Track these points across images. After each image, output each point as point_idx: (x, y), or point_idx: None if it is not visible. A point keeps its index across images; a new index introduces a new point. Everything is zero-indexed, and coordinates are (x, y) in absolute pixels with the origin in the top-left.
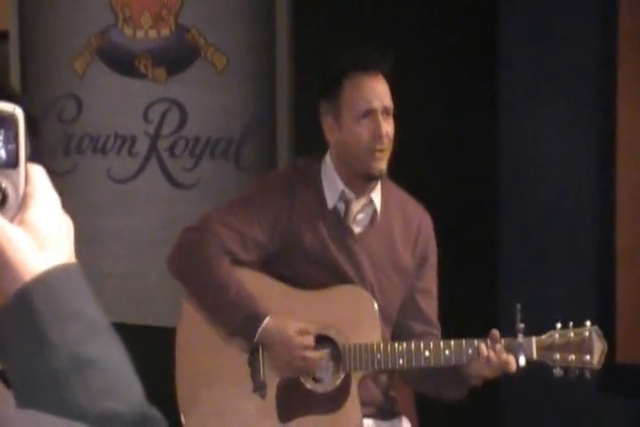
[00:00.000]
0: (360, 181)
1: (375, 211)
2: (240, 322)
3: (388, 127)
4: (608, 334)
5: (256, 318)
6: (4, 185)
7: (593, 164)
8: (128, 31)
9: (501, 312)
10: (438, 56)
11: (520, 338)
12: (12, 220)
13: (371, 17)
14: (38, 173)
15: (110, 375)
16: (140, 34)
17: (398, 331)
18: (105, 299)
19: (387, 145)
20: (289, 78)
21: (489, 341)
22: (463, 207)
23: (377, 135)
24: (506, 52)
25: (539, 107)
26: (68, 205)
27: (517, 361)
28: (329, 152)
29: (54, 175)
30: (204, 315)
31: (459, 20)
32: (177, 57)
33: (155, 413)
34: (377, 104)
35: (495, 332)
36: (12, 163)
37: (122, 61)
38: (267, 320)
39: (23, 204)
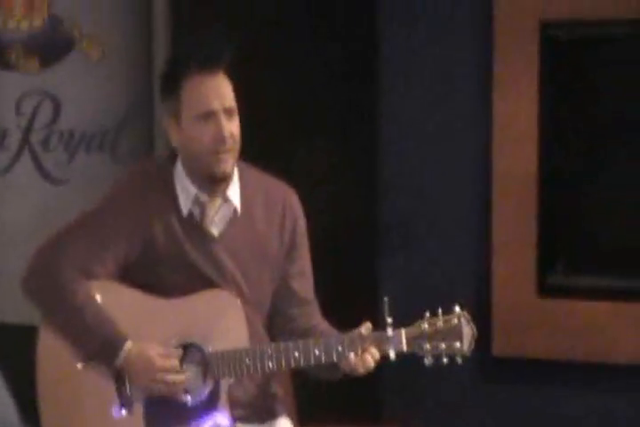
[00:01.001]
0: (208, 182)
1: (234, 208)
2: (98, 348)
3: (232, 127)
4: (484, 327)
5: (115, 344)
6: None
7: (471, 156)
8: None
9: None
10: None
11: (389, 331)
12: None
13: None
14: None
15: None
16: (11, 24)
17: (276, 319)
18: None
19: (231, 146)
20: None
21: (358, 336)
22: (342, 197)
23: (219, 137)
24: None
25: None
26: None
27: (387, 355)
28: (178, 156)
29: None
30: (62, 341)
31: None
32: (50, 48)
33: None
34: (217, 105)
35: (367, 325)
36: None
37: None
38: (126, 346)
39: None
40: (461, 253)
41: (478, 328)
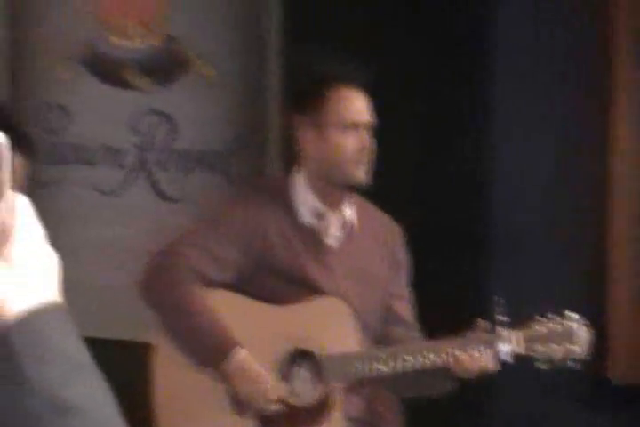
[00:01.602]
0: (336, 193)
1: (349, 224)
2: (208, 352)
3: (370, 142)
4: (600, 351)
5: (225, 349)
6: None
7: (584, 157)
8: (114, 40)
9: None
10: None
11: (503, 331)
12: None
13: (363, 28)
14: (23, 205)
15: (92, 422)
16: (126, 43)
17: (381, 340)
18: (87, 311)
19: (370, 158)
20: (279, 90)
21: (469, 337)
22: (448, 203)
23: (362, 147)
24: (497, 74)
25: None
26: (52, 216)
27: (501, 356)
28: (299, 168)
29: (42, 185)
30: (173, 343)
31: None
32: (165, 68)
33: None
34: (361, 118)
35: (483, 322)
36: None
37: (108, 71)
38: (235, 351)
39: (4, 238)
40: (575, 271)
41: (593, 352)
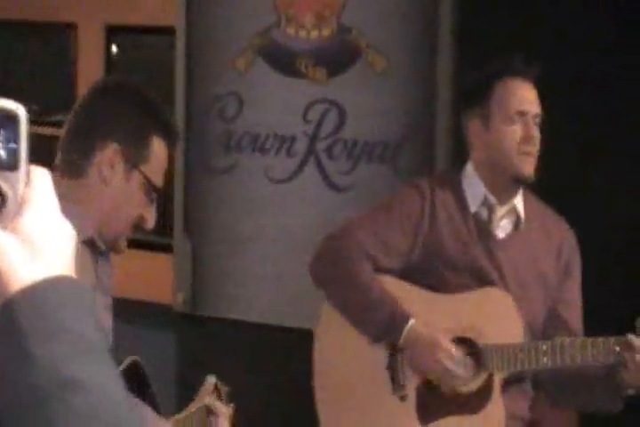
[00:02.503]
0: (505, 185)
1: (518, 218)
2: (385, 322)
3: (537, 133)
4: None
5: (400, 320)
6: (4, 189)
7: None
8: (290, 31)
9: None
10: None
11: None
12: (6, 226)
13: (535, 23)
14: (41, 177)
15: (95, 399)
16: (302, 34)
17: None
18: (258, 298)
19: (535, 149)
20: (450, 82)
21: (636, 335)
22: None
23: (528, 137)
24: None
25: None
26: (226, 203)
27: None
28: (470, 160)
29: (215, 172)
30: (346, 319)
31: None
32: (337, 58)
33: None
34: (529, 107)
35: None
36: (12, 165)
37: (283, 61)
38: (411, 322)
39: (19, 209)
40: None
41: None
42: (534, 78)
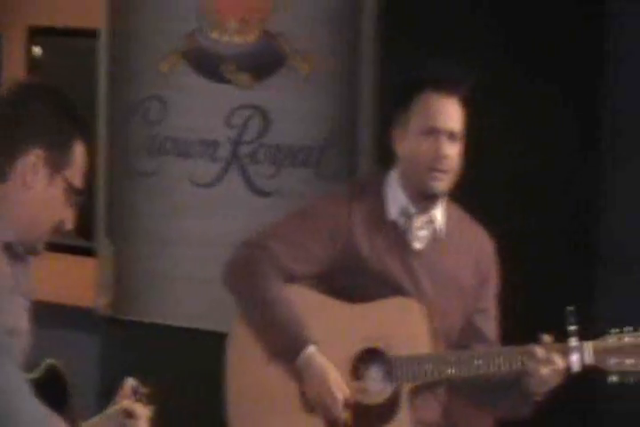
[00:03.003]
0: (417, 197)
1: (437, 229)
2: (282, 345)
3: (451, 150)
4: None
5: (299, 344)
6: None
7: None
8: (214, 35)
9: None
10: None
11: (573, 342)
12: None
13: (461, 27)
14: None
15: None
16: (225, 38)
17: None
18: (181, 302)
19: (447, 166)
20: (373, 86)
21: (540, 345)
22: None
23: (437, 156)
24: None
25: None
26: (148, 207)
27: (571, 365)
28: (395, 167)
29: (138, 175)
30: (254, 334)
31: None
32: (262, 63)
33: None
34: (441, 124)
35: (546, 336)
36: None
37: (207, 65)
38: (310, 348)
39: None
40: None
41: None
42: (461, 92)
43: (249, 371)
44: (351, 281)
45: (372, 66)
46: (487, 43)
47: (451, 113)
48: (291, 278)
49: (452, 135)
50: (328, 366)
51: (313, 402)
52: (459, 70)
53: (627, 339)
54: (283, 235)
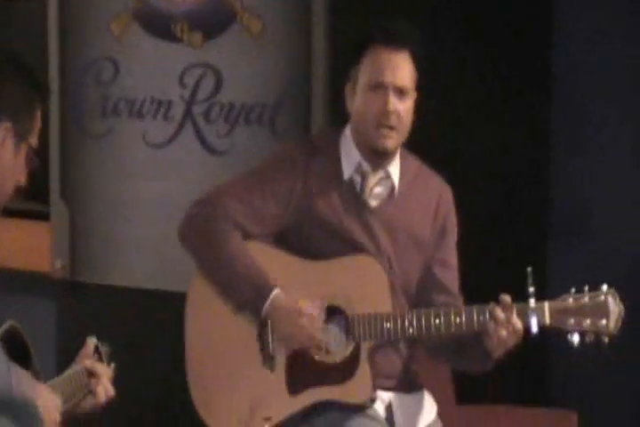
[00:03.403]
0: (369, 154)
1: (392, 185)
2: (248, 294)
3: (399, 106)
4: None
5: (264, 291)
6: None
7: None
8: None
9: (550, 276)
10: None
11: (532, 303)
12: None
13: None
14: None
15: None
16: None
17: (419, 304)
18: (138, 263)
19: (395, 123)
20: (325, 44)
21: (500, 306)
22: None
23: (383, 111)
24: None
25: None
26: (102, 169)
27: (529, 326)
28: (349, 122)
29: (91, 137)
30: (214, 288)
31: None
32: (213, 21)
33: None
34: (388, 80)
35: (506, 297)
36: None
37: (159, 25)
38: (275, 292)
39: None
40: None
41: None
42: (411, 47)
43: (208, 329)
44: (308, 240)
45: (323, 23)
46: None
47: (398, 68)
48: (247, 236)
49: (400, 91)
50: (297, 300)
51: (288, 343)
52: (407, 25)
53: (585, 299)
54: (238, 194)
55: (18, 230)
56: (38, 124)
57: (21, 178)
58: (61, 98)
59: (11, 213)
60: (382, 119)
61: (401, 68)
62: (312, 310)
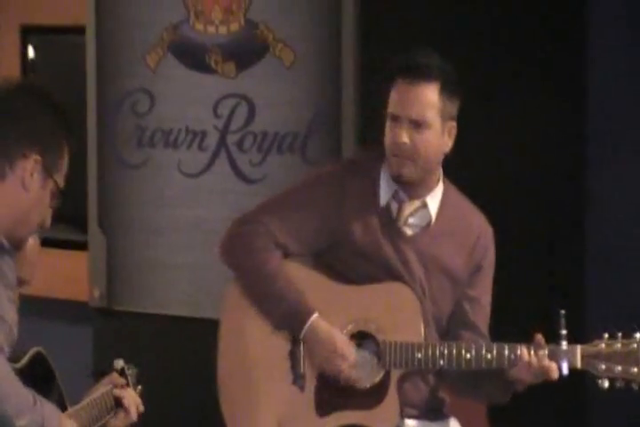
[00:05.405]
0: (421, 182)
1: (429, 216)
2: (288, 314)
3: (416, 136)
4: None
5: (303, 313)
6: None
7: None
8: (199, 26)
9: (588, 318)
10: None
11: (564, 345)
12: None
13: (441, 16)
14: None
15: None
16: (210, 29)
17: (446, 338)
18: (175, 290)
19: (406, 153)
20: (355, 73)
21: (532, 346)
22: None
23: (392, 142)
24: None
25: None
26: (139, 198)
27: (560, 368)
28: None
29: (128, 167)
30: (252, 305)
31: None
32: (246, 52)
33: None
34: (401, 112)
35: (539, 337)
36: None
37: (193, 56)
38: (314, 316)
39: None
40: None
41: None
42: (436, 78)
43: (241, 346)
44: (345, 262)
45: (352, 52)
46: (471, 32)
47: (418, 101)
48: (286, 254)
49: (415, 124)
50: (333, 330)
51: (321, 367)
52: (429, 56)
53: (617, 346)
54: (278, 211)
55: (57, 260)
56: (65, 164)
57: (47, 218)
58: (99, 128)
59: (50, 242)
60: (393, 149)
61: (419, 101)
62: (346, 348)
